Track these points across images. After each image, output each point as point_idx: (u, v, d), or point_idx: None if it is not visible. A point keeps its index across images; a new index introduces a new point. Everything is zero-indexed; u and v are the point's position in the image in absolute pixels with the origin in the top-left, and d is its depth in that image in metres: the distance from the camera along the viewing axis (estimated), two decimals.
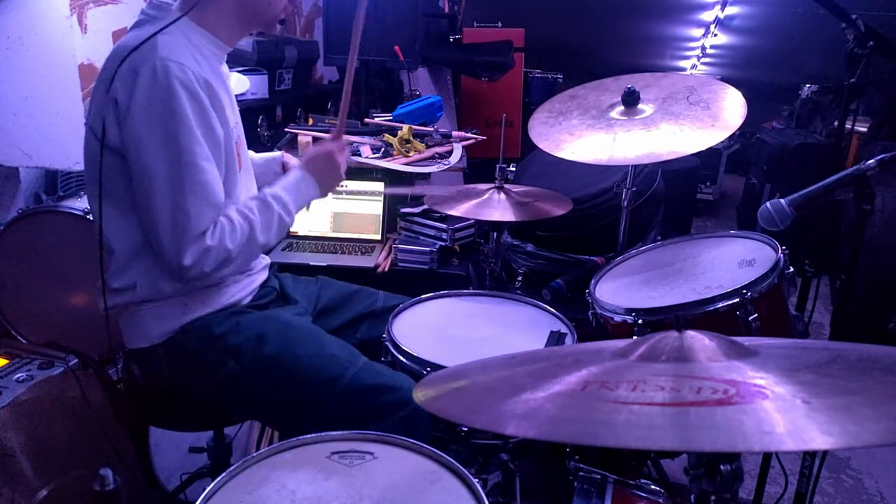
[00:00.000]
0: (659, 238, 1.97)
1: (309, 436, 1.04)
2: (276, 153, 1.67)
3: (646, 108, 1.64)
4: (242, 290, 1.43)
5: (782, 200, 1.33)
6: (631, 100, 1.64)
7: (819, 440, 0.51)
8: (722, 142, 1.55)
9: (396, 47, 2.57)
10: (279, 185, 1.38)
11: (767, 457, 1.83)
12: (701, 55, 6.87)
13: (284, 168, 1.62)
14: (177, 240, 1.19)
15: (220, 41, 1.32)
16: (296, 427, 1.05)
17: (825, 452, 1.73)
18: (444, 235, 2.22)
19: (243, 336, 1.34)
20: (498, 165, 1.85)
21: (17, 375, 1.39)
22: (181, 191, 1.18)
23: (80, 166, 1.79)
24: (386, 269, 2.13)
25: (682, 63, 7.86)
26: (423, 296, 1.66)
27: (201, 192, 1.20)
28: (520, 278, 2.34)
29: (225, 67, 1.41)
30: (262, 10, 1.33)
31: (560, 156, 1.61)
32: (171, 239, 1.19)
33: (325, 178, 1.44)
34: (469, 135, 2.47)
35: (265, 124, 2.37)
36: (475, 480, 0.93)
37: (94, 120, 1.23)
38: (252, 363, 1.32)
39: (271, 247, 1.41)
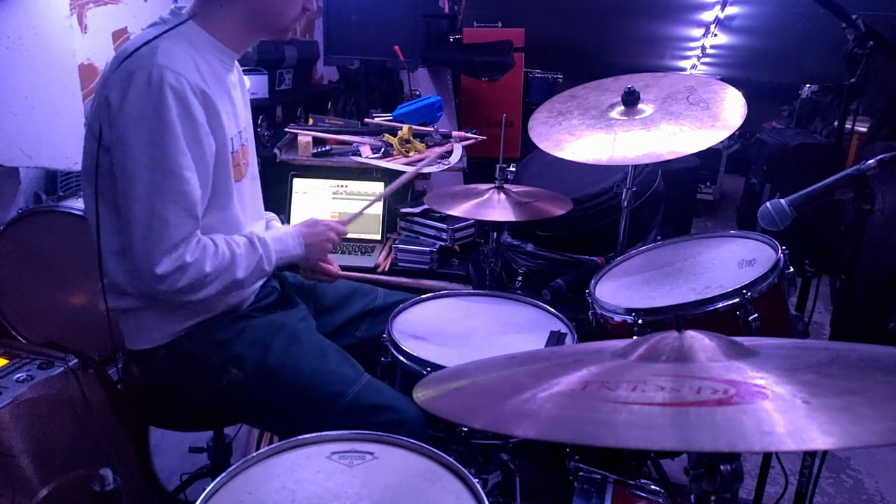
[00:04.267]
0: (659, 238, 1.97)
1: (309, 436, 1.04)
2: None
3: (646, 108, 1.64)
4: (245, 291, 1.43)
5: (782, 200, 1.33)
6: (631, 100, 1.64)
7: (819, 440, 0.51)
8: (722, 142, 1.55)
9: (396, 47, 2.57)
10: (269, 234, 1.39)
11: (767, 457, 1.83)
12: (701, 55, 6.88)
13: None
14: (151, 247, 1.18)
15: (228, 48, 1.32)
16: (294, 436, 1.05)
17: (825, 452, 1.73)
18: (444, 235, 2.22)
19: (247, 344, 1.34)
20: (498, 165, 1.85)
21: (17, 375, 1.39)
22: (161, 198, 1.17)
23: (80, 166, 1.79)
24: (386, 268, 2.13)
25: (682, 63, 7.87)
26: (423, 296, 1.66)
27: (182, 202, 1.19)
28: (520, 278, 2.34)
29: (236, 74, 1.40)
30: (272, 20, 1.32)
31: (560, 156, 1.61)
32: (145, 245, 1.18)
33: (313, 247, 1.45)
34: (469, 135, 2.47)
35: (265, 124, 2.37)
36: (475, 480, 0.93)
37: (92, 119, 1.23)
38: (255, 373, 1.32)
39: (244, 289, 1.39)
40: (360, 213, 1.62)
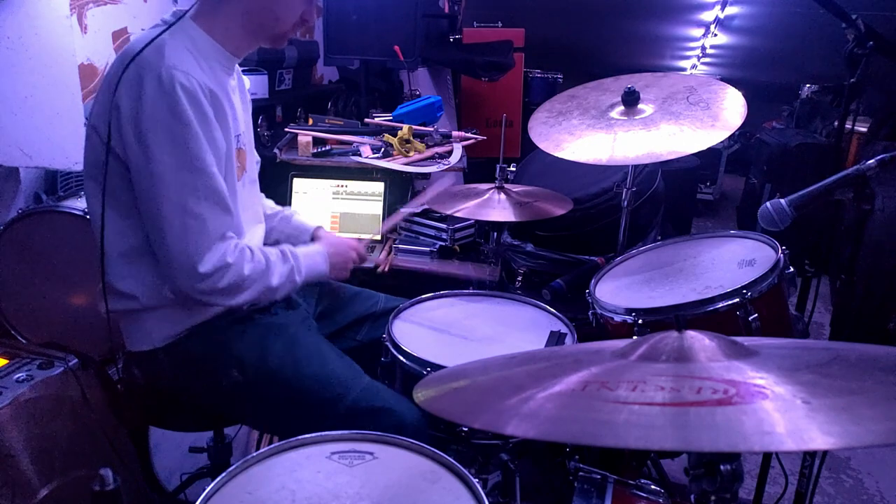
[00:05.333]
0: (659, 238, 1.97)
1: (309, 436, 1.04)
2: (312, 224, 1.65)
3: (646, 108, 1.64)
4: None
5: (782, 200, 1.33)
6: (631, 100, 1.64)
7: (819, 440, 0.51)
8: (722, 142, 1.55)
9: (396, 47, 2.57)
10: (301, 250, 1.42)
11: (767, 457, 1.83)
12: (701, 55, 6.88)
13: (313, 238, 1.63)
14: (190, 246, 1.19)
15: (228, 52, 1.32)
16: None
17: (825, 452, 1.73)
18: (444, 235, 2.22)
19: (247, 345, 1.34)
20: (498, 165, 1.85)
21: (17, 375, 1.39)
22: (194, 196, 1.18)
23: (80, 166, 1.79)
24: (386, 269, 2.13)
25: (682, 63, 7.87)
26: (423, 296, 1.66)
27: (214, 197, 1.21)
28: (520, 278, 2.34)
29: (236, 79, 1.40)
30: (268, 26, 1.32)
31: (560, 156, 1.61)
32: (183, 245, 1.19)
33: (336, 267, 1.50)
34: (469, 135, 2.47)
35: (265, 124, 2.37)
36: (475, 480, 0.93)
37: (98, 120, 1.22)
38: (255, 375, 1.32)
39: (273, 299, 1.41)
40: (380, 234, 1.65)
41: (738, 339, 0.77)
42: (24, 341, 1.71)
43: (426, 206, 2.17)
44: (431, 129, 2.40)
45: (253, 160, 1.49)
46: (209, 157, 1.20)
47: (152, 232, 1.22)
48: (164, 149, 1.16)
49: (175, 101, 1.15)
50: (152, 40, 1.18)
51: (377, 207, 2.31)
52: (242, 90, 1.45)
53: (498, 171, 1.85)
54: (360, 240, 1.62)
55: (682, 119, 1.56)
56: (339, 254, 1.51)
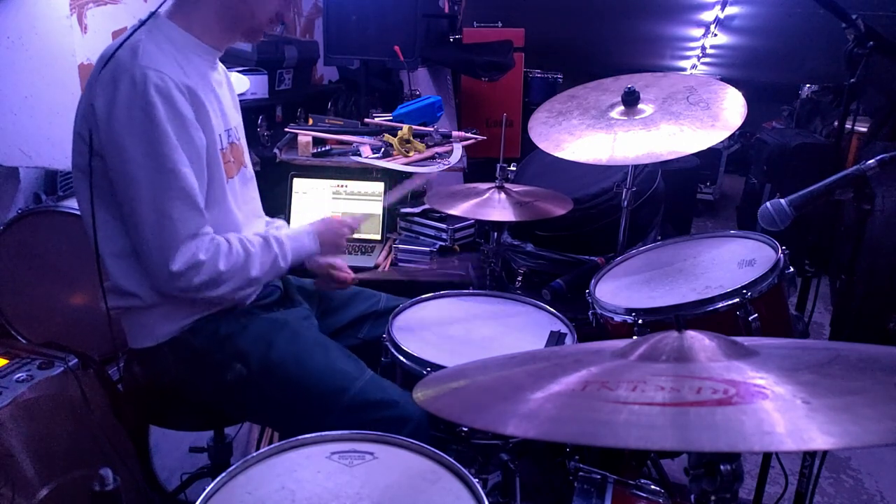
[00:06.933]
0: (659, 238, 1.97)
1: (309, 436, 1.04)
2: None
3: (646, 108, 1.64)
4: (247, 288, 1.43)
5: (782, 200, 1.33)
6: (631, 100, 1.64)
7: (819, 440, 0.51)
8: (722, 142, 1.55)
9: (396, 47, 2.57)
10: (285, 232, 1.42)
11: (767, 457, 1.83)
12: (701, 55, 6.88)
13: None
14: (163, 246, 1.19)
15: (207, 45, 1.32)
16: (297, 433, 1.05)
17: (825, 452, 1.73)
18: (444, 235, 2.22)
19: (251, 340, 1.35)
20: (498, 165, 1.85)
21: (17, 375, 1.39)
22: (164, 197, 1.18)
23: None
24: (386, 268, 2.13)
25: (682, 63, 7.87)
26: (423, 296, 1.66)
27: (184, 198, 1.20)
28: (520, 278, 2.34)
29: (220, 72, 1.40)
30: (243, 19, 1.32)
31: (560, 156, 1.61)
32: (158, 245, 1.20)
33: (327, 244, 1.48)
34: (469, 135, 2.47)
35: (265, 124, 2.37)
36: (475, 480, 0.93)
37: (80, 125, 1.23)
38: (259, 368, 1.32)
39: (260, 285, 1.41)
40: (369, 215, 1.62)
41: (738, 339, 0.77)
42: (24, 341, 1.71)
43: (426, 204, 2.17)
44: (431, 129, 2.40)
45: (247, 155, 1.48)
46: (181, 157, 1.20)
47: (131, 231, 1.23)
48: (137, 150, 1.16)
49: (148, 102, 1.15)
50: (125, 40, 1.18)
51: (377, 207, 2.31)
52: (230, 84, 1.45)
53: (498, 170, 1.85)
54: (352, 217, 1.59)
55: (682, 119, 1.56)
56: (329, 230, 1.49)
